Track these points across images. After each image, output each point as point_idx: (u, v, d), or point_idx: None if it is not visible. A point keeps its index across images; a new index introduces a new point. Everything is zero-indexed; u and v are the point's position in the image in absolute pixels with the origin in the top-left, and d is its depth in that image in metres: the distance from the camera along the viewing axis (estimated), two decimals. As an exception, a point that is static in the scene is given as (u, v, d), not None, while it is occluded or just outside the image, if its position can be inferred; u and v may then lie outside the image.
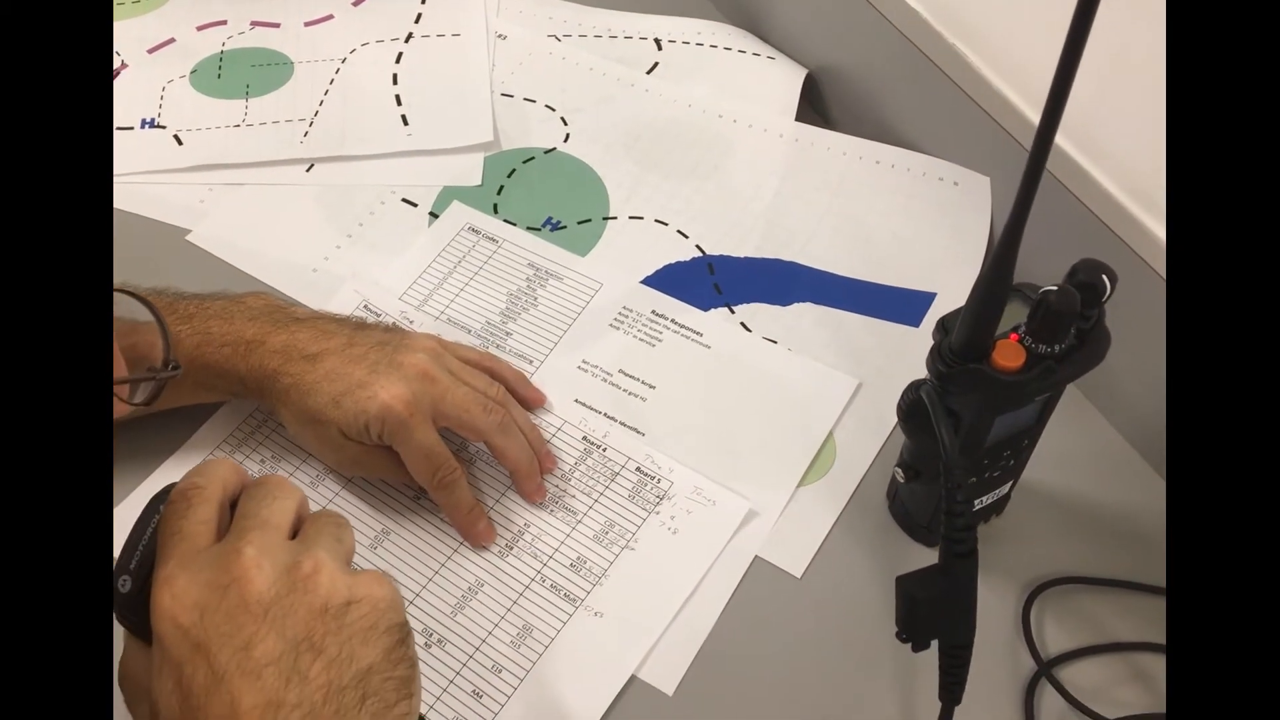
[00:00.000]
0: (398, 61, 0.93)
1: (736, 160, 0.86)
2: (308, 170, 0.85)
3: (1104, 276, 0.52)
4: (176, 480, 0.46)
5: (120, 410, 0.45)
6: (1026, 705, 0.60)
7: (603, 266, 0.79)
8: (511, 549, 0.66)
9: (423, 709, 0.45)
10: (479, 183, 0.85)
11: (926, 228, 0.80)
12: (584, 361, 0.74)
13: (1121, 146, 0.66)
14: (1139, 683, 0.61)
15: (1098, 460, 0.70)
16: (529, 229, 0.82)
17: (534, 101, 0.91)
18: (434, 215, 0.83)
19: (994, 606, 0.63)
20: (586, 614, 0.63)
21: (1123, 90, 0.63)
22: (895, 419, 0.60)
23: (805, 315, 0.76)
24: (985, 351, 0.52)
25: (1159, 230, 0.63)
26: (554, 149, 0.87)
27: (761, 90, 0.90)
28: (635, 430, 0.71)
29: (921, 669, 0.61)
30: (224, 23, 0.96)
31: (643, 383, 0.73)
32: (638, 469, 0.69)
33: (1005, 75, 0.73)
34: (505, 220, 0.82)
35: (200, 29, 0.95)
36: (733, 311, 0.77)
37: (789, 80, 0.90)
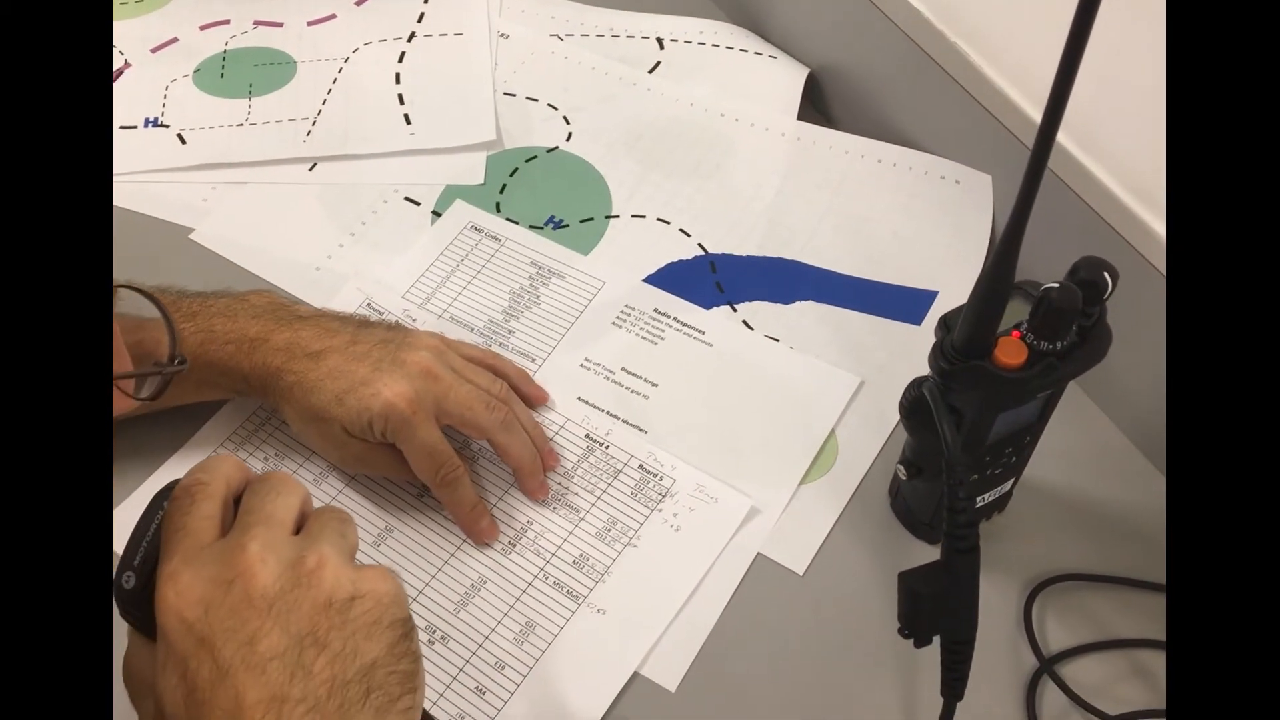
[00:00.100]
0: (400, 61, 0.93)
1: (738, 159, 0.86)
2: (311, 169, 0.86)
3: (1105, 274, 0.53)
4: (180, 477, 0.46)
5: (126, 405, 0.45)
6: (1028, 702, 0.60)
7: (605, 265, 0.79)
8: (514, 546, 0.66)
9: (426, 705, 0.45)
10: (481, 181, 0.85)
11: (928, 226, 0.81)
12: (586, 359, 0.74)
13: (1122, 145, 0.66)
14: (1140, 679, 0.61)
15: (1099, 457, 0.70)
16: (531, 227, 0.82)
17: (536, 100, 0.91)
18: (437, 214, 0.83)
19: (996, 603, 0.63)
20: (589, 611, 0.63)
21: (1123, 89, 0.63)
22: (897, 417, 0.60)
23: (807, 313, 0.77)
24: (987, 349, 0.53)
25: (1160, 228, 0.63)
26: (556, 148, 0.87)
27: (763, 89, 0.90)
28: (638, 428, 0.71)
29: (923, 665, 0.61)
30: (227, 22, 0.96)
31: (645, 381, 0.73)
32: (640, 467, 0.69)
33: (1007, 74, 0.73)
34: (508, 219, 0.82)
35: (203, 28, 0.95)
36: (735, 310, 0.77)
37: (791, 79, 0.90)
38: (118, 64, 0.92)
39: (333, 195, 0.84)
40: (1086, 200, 0.68)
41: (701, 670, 0.61)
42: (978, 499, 0.63)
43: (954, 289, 0.77)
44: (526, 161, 0.86)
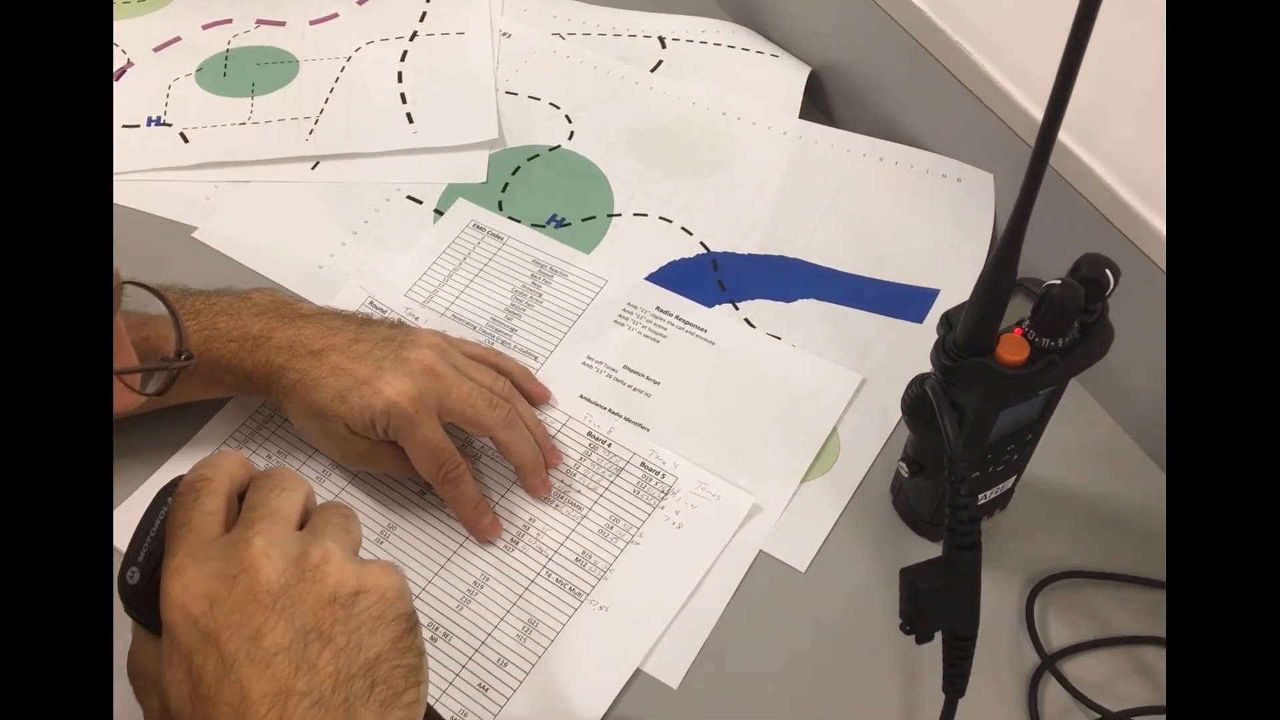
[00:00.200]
0: (402, 60, 0.93)
1: (740, 157, 0.86)
2: (313, 168, 0.86)
3: (1107, 271, 0.53)
4: (184, 473, 0.46)
5: (133, 401, 0.45)
6: (1030, 698, 0.60)
7: (607, 263, 0.79)
8: (517, 544, 0.66)
9: (429, 700, 0.46)
10: (484, 180, 0.85)
11: (930, 224, 0.81)
12: (589, 357, 0.74)
13: (1123, 142, 0.66)
14: (1142, 676, 0.61)
15: (1101, 455, 0.70)
16: (533, 226, 0.82)
17: (538, 99, 0.91)
18: (439, 212, 0.83)
19: (998, 600, 0.64)
20: (592, 608, 0.63)
21: (1124, 87, 0.63)
22: (899, 415, 0.60)
23: (809, 311, 0.77)
24: (989, 345, 0.53)
25: (1161, 225, 0.64)
26: (558, 146, 0.87)
27: (765, 88, 0.91)
28: (640, 426, 0.71)
29: (925, 662, 0.61)
30: (229, 21, 0.96)
31: (647, 378, 0.73)
32: (642, 464, 0.69)
33: (1008, 72, 0.73)
34: (510, 217, 0.83)
35: (206, 27, 0.96)
36: (737, 308, 0.77)
37: (793, 78, 0.90)
38: (120, 63, 0.92)
39: (335, 194, 0.84)
40: (1088, 198, 0.68)
41: (704, 667, 0.62)
42: (979, 496, 0.63)
43: (955, 287, 0.77)
44: (529, 160, 0.87)
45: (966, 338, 0.53)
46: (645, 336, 0.75)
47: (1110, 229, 0.67)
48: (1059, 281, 0.52)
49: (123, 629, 0.44)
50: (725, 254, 0.80)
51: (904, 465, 0.62)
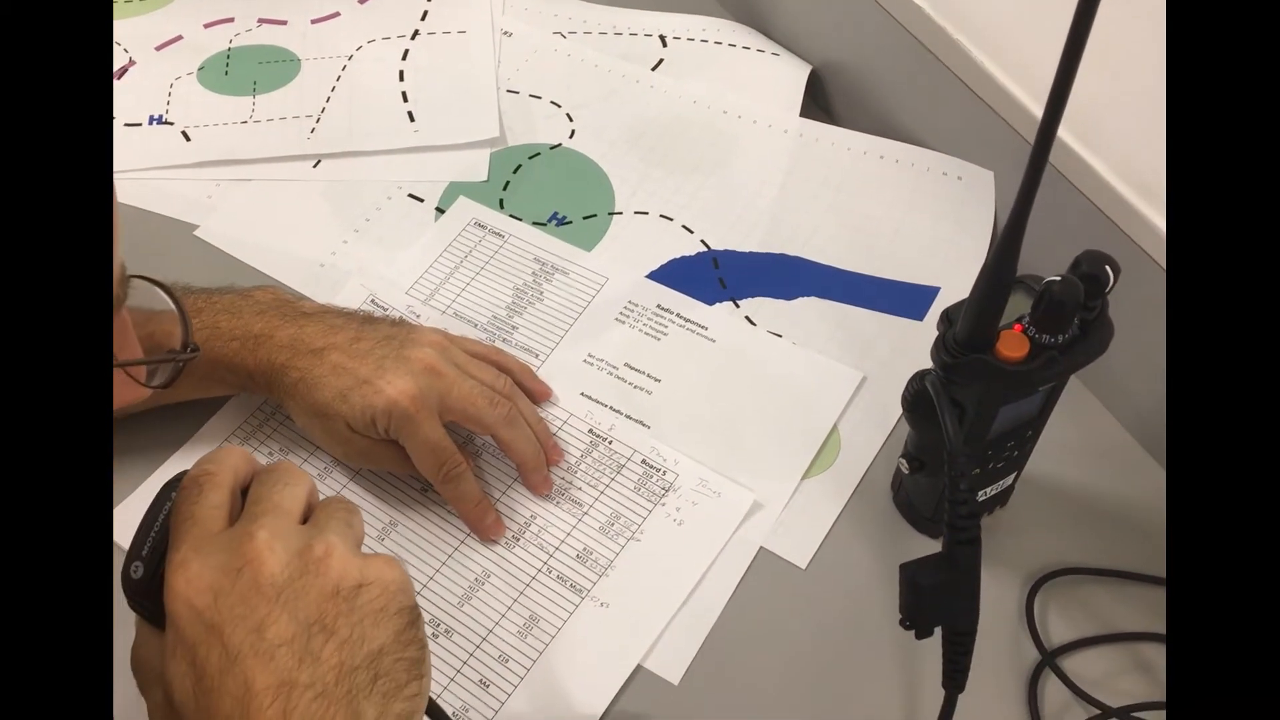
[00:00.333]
0: (404, 58, 0.93)
1: (741, 156, 0.87)
2: (315, 166, 0.86)
3: (1107, 267, 0.53)
4: (188, 469, 0.46)
5: (139, 394, 0.45)
6: (1030, 694, 0.60)
7: (608, 261, 0.80)
8: (518, 540, 0.66)
9: (430, 695, 0.46)
10: (485, 178, 0.85)
11: (930, 222, 0.81)
12: (590, 355, 0.75)
13: (1123, 140, 0.66)
14: (1142, 672, 0.62)
15: (1101, 452, 0.70)
16: (535, 224, 0.82)
17: (539, 98, 0.91)
18: (440, 210, 0.83)
19: (998, 597, 0.64)
20: (593, 604, 0.64)
21: (1124, 84, 0.64)
22: (899, 412, 0.60)
23: (809, 309, 0.77)
24: (989, 342, 0.53)
25: (1160, 222, 0.64)
26: (559, 145, 0.88)
27: (766, 86, 0.91)
28: (641, 423, 0.71)
29: (925, 659, 0.61)
30: (231, 20, 0.96)
31: (648, 376, 0.73)
32: (643, 461, 0.69)
33: (1009, 70, 0.73)
34: (511, 215, 0.83)
35: (207, 26, 0.96)
36: (737, 305, 0.77)
37: (793, 76, 0.91)
38: (122, 62, 0.92)
39: (337, 192, 0.84)
40: (1088, 195, 0.68)
41: (704, 663, 0.62)
42: (980, 493, 0.63)
43: (956, 285, 0.77)
44: (530, 158, 0.87)
45: (967, 334, 0.53)
46: (646, 334, 0.75)
47: (1110, 226, 0.67)
48: (1059, 278, 0.52)
49: (126, 624, 0.44)
50: (726, 252, 0.80)
51: (904, 462, 0.62)
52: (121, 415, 0.58)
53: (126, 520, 0.47)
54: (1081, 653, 0.62)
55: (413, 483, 0.68)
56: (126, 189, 0.83)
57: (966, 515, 0.51)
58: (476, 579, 0.65)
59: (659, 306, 0.77)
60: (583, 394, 0.73)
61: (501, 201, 0.84)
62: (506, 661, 0.62)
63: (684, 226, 0.82)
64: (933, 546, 0.65)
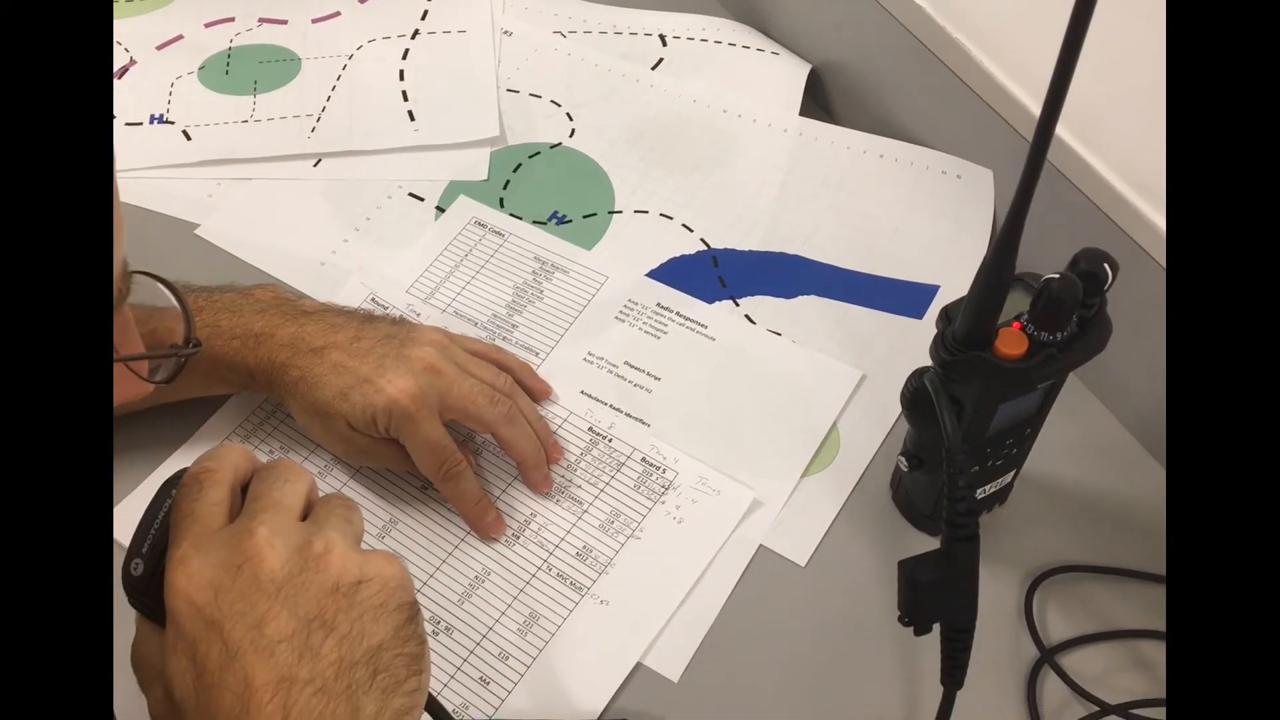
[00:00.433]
0: (404, 58, 0.93)
1: (741, 155, 0.87)
2: (315, 165, 0.86)
3: (1105, 265, 0.53)
4: (188, 466, 0.46)
5: (141, 389, 0.45)
6: (1028, 691, 0.61)
7: (608, 260, 0.80)
8: (518, 538, 0.66)
9: (430, 691, 0.46)
10: (485, 177, 0.85)
11: (930, 221, 0.81)
12: (590, 353, 0.75)
13: (1121, 138, 0.66)
14: (1140, 670, 0.62)
15: (1099, 450, 0.70)
16: (535, 223, 0.82)
17: (539, 97, 0.91)
18: (440, 209, 0.83)
19: (997, 594, 0.64)
20: (592, 602, 0.64)
21: (1123, 83, 0.64)
22: (898, 410, 0.60)
23: (809, 308, 0.77)
24: (988, 339, 0.53)
25: (1159, 220, 0.64)
26: (559, 144, 0.88)
27: (766, 85, 0.91)
28: (641, 421, 0.71)
29: (924, 656, 0.61)
30: (232, 19, 0.96)
31: (648, 374, 0.73)
32: (643, 459, 0.69)
33: (1008, 69, 0.73)
34: (511, 214, 0.83)
35: (208, 26, 0.96)
36: (737, 304, 0.77)
37: (793, 75, 0.91)
38: (123, 61, 0.92)
39: (337, 191, 0.85)
40: (1086, 193, 0.68)
41: (704, 661, 0.62)
42: (978, 491, 0.63)
43: (955, 283, 0.78)
44: (530, 157, 0.87)
45: (965, 331, 0.53)
46: (646, 332, 0.76)
47: (1109, 224, 0.67)
48: (1058, 276, 0.52)
49: (126, 621, 0.45)
50: (726, 250, 0.81)
51: (903, 460, 0.62)
52: (123, 412, 0.59)
53: (127, 518, 0.47)
54: (1080, 650, 0.62)
55: (413, 481, 0.68)
56: (127, 188, 0.82)
57: (965, 512, 0.51)
58: (476, 577, 0.65)
59: (659, 305, 0.77)
60: (583, 392, 0.73)
61: (502, 200, 0.84)
62: (506, 659, 0.62)
63: (684, 225, 0.82)
64: (932, 544, 0.65)
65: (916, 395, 0.57)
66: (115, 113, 0.87)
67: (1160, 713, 0.59)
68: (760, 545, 0.66)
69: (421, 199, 0.84)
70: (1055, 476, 0.68)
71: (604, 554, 0.65)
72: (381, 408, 0.62)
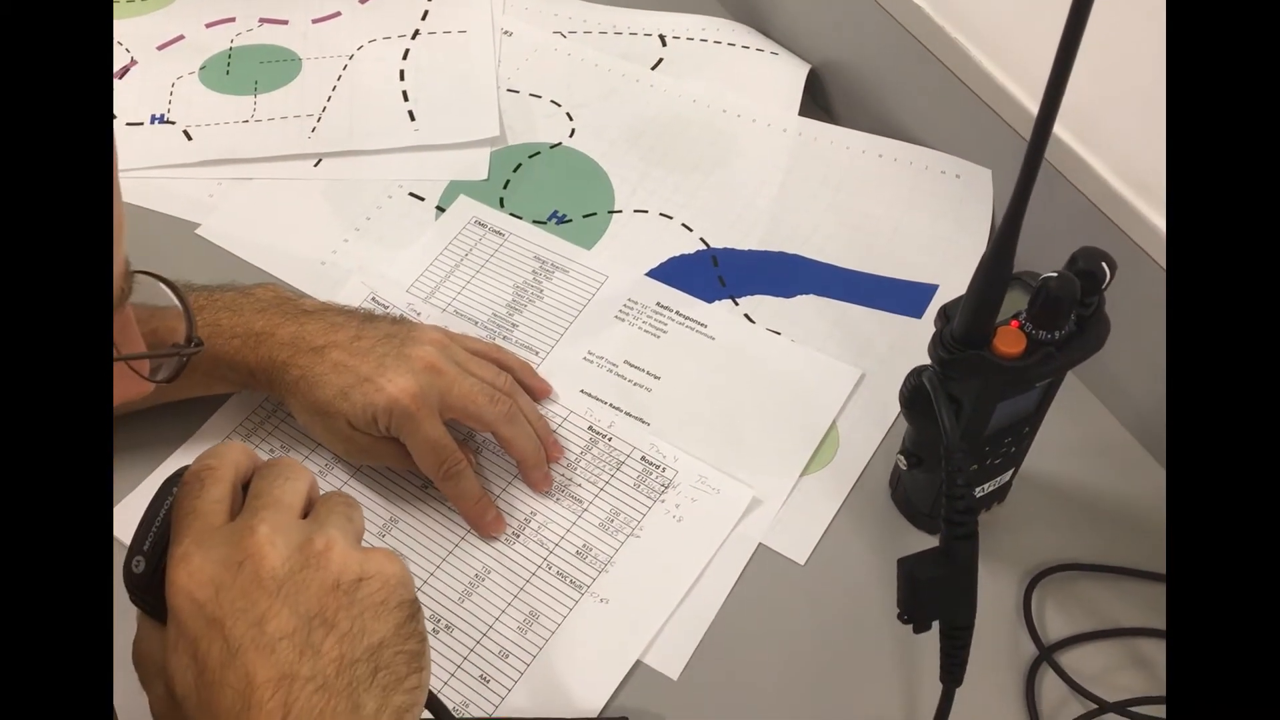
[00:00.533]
0: (405, 58, 0.94)
1: (741, 155, 0.87)
2: (315, 165, 0.86)
3: (1104, 264, 0.53)
4: (189, 464, 0.47)
5: (143, 389, 0.45)
6: (1027, 689, 0.61)
7: (608, 259, 0.80)
8: (518, 536, 0.67)
9: (431, 688, 0.46)
10: (485, 177, 0.85)
11: (929, 220, 0.81)
12: (589, 353, 0.75)
13: (1119, 138, 0.66)
14: (1139, 667, 0.62)
15: (1098, 449, 0.70)
16: (535, 222, 0.83)
17: (539, 97, 0.91)
18: (441, 209, 0.83)
19: (996, 592, 0.64)
20: (592, 600, 0.64)
21: (1122, 83, 0.64)
22: (898, 409, 0.61)
23: (808, 307, 0.77)
24: (986, 338, 0.53)
25: (1157, 220, 0.64)
26: (559, 144, 0.88)
27: (765, 85, 0.91)
28: (640, 420, 0.71)
29: (923, 654, 0.62)
30: (232, 20, 0.97)
31: (648, 373, 0.74)
32: (643, 458, 0.69)
33: (1007, 69, 0.73)
34: (511, 214, 0.83)
35: (209, 26, 0.96)
36: (737, 303, 0.77)
37: (792, 75, 0.91)
38: (124, 61, 0.92)
39: (337, 191, 0.85)
40: (1085, 193, 0.68)
41: (703, 659, 0.62)
42: (977, 489, 0.63)
43: (954, 283, 0.78)
44: (530, 157, 0.87)
45: (964, 330, 0.53)
46: (646, 332, 0.76)
47: (1107, 223, 0.67)
48: (1056, 274, 0.52)
49: (126, 618, 0.45)
50: (725, 250, 0.81)
51: (902, 458, 0.63)
52: (125, 411, 0.59)
53: (127, 517, 0.47)
54: (1079, 648, 0.63)
55: (413, 479, 0.69)
56: (128, 188, 0.82)
57: (964, 510, 0.51)
58: (476, 575, 0.65)
59: (658, 304, 0.77)
60: (582, 391, 0.73)
61: (502, 200, 0.84)
62: (506, 657, 0.62)
63: (683, 225, 0.82)
64: (931, 542, 0.65)
65: (915, 394, 0.57)
66: (116, 113, 0.87)
67: (1158, 710, 0.59)
68: (760, 544, 0.66)
69: (422, 199, 0.84)
70: (1054, 475, 0.68)
71: (604, 552, 0.66)
72: (382, 406, 0.63)
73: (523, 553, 0.66)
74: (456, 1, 0.98)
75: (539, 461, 0.68)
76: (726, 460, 0.69)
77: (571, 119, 0.90)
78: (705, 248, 0.81)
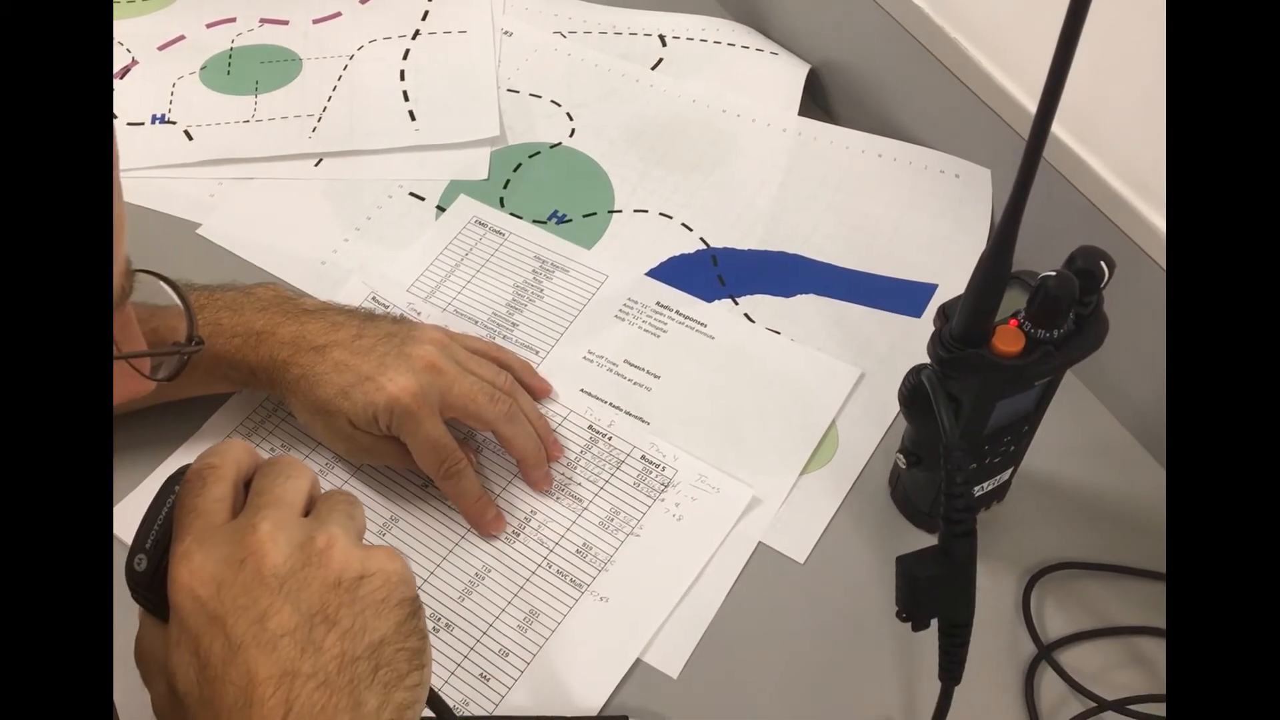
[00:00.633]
0: (405, 58, 0.94)
1: (741, 155, 0.87)
2: (316, 165, 0.86)
3: (1102, 263, 0.53)
4: (191, 463, 0.47)
5: (144, 387, 0.45)
6: (1026, 687, 0.61)
7: (608, 259, 0.80)
8: (518, 535, 0.67)
9: (431, 686, 0.46)
10: (485, 177, 0.86)
11: (928, 220, 0.81)
12: (589, 352, 0.75)
13: (1118, 137, 0.66)
14: (1138, 666, 0.62)
15: (1097, 447, 0.71)
16: (535, 222, 0.83)
17: (539, 97, 0.91)
18: (441, 209, 0.84)
19: (995, 591, 0.64)
20: (592, 599, 0.64)
21: (1121, 83, 0.64)
22: (897, 408, 0.61)
23: (808, 306, 0.77)
24: (985, 337, 0.53)
25: (1156, 219, 0.64)
26: (559, 144, 0.88)
27: (765, 85, 0.91)
28: (640, 419, 0.71)
29: (922, 652, 0.62)
30: (233, 20, 0.97)
31: (648, 373, 0.74)
32: (643, 457, 0.69)
33: (1006, 69, 0.74)
34: (511, 214, 0.83)
35: (210, 26, 0.96)
36: (736, 303, 0.78)
37: (792, 75, 0.91)
38: (125, 61, 0.93)
39: (338, 190, 0.85)
40: (1083, 192, 0.69)
41: (703, 657, 0.62)
42: (976, 488, 0.63)
43: (954, 282, 0.78)
44: (530, 157, 0.87)
45: (963, 329, 0.53)
46: (645, 331, 0.76)
47: (1105, 222, 0.67)
48: (1054, 273, 0.53)
49: (128, 616, 0.45)
50: (725, 250, 0.81)
51: (902, 457, 0.63)
52: (125, 411, 0.59)
53: (128, 516, 0.47)
54: (1078, 646, 0.63)
55: (413, 478, 0.69)
56: (129, 188, 0.82)
57: (962, 509, 0.51)
58: (477, 574, 0.65)
59: (658, 304, 0.77)
60: (582, 390, 0.73)
61: (502, 200, 0.84)
62: (507, 655, 0.62)
63: (683, 224, 0.83)
64: (930, 541, 0.65)
65: (914, 393, 0.58)
66: (117, 113, 0.88)
67: (1157, 709, 0.59)
68: (759, 542, 0.66)
69: (422, 198, 0.84)
70: (1053, 474, 0.69)
71: (604, 551, 0.66)
72: (383, 405, 0.63)
73: (523, 551, 0.66)
74: (456, 1, 0.98)
75: (539, 460, 0.68)
76: (726, 459, 0.69)
77: (571, 119, 0.90)
78: (705, 247, 0.81)
